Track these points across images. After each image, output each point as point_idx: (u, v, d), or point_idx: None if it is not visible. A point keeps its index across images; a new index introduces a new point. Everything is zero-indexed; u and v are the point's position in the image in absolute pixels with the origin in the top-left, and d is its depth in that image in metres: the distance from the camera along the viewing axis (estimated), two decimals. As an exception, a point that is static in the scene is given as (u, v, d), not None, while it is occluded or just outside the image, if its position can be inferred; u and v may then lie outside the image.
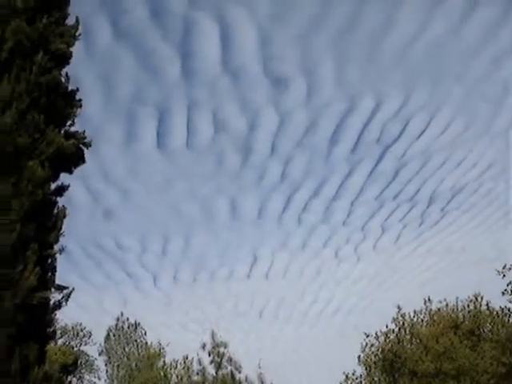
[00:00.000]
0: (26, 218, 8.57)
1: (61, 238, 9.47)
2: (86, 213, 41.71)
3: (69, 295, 9.58)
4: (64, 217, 9.58)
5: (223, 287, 49.10)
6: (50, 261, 9.37)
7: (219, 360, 28.18)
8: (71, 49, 10.38)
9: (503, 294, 24.95)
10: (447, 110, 48.09)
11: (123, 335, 39.94)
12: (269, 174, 52.32)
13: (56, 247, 9.42)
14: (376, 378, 29.54)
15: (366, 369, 29.72)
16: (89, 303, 41.70)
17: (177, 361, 33.47)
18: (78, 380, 36.92)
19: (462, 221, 48.91)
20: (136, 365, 37.54)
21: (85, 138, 10.25)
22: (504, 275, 24.14)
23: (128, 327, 40.30)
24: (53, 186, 9.70)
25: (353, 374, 29.95)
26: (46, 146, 9.27)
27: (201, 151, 50.47)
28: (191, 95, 48.90)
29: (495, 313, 28.30)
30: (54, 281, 9.44)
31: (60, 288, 9.52)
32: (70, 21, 10.57)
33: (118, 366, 38.56)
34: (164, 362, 34.82)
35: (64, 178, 10.04)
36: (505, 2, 39.53)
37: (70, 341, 37.48)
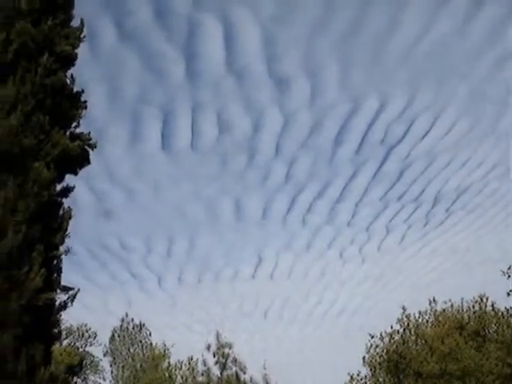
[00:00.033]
0: (31, 220, 8.59)
1: (66, 239, 9.50)
2: (90, 213, 41.81)
3: (74, 296, 9.59)
4: (69, 218, 9.60)
5: (228, 288, 49.19)
6: (55, 262, 9.39)
7: (224, 361, 28.18)
8: (76, 50, 10.39)
9: (508, 294, 24.80)
10: (452, 111, 48.16)
11: (128, 336, 40.00)
12: (273, 174, 52.43)
13: (61, 248, 9.44)
14: (381, 379, 29.46)
15: (371, 370, 29.64)
16: (94, 304, 41.85)
17: (181, 362, 33.43)
18: (82, 381, 36.97)
19: (467, 221, 48.95)
20: (141, 366, 37.59)
21: (90, 139, 10.27)
22: (509, 276, 23.99)
23: (133, 328, 40.37)
24: (58, 187, 9.72)
25: (357, 375, 29.85)
26: (51, 147, 9.28)
27: (205, 152, 50.59)
28: (195, 96, 49.04)
29: (500, 314, 28.19)
30: (59, 282, 9.46)
31: (65, 289, 9.54)
32: (75, 22, 10.60)
33: (123, 366, 38.62)
34: (169, 362, 34.82)
35: (69, 179, 10.09)
36: (509, 1, 39.47)
37: (75, 341, 37.56)
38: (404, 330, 29.59)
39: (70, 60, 10.26)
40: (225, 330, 29.29)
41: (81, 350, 37.06)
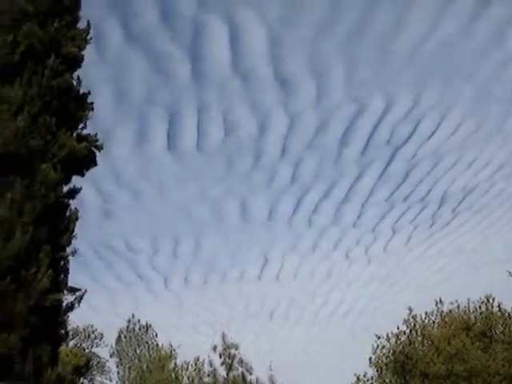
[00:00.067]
0: (38, 221, 8.62)
1: (73, 241, 9.53)
2: (97, 215, 41.91)
3: (81, 297, 9.62)
4: (76, 219, 9.63)
5: (234, 289, 49.22)
6: (62, 263, 9.43)
7: (230, 362, 28.20)
8: (83, 52, 10.44)
9: (515, 295, 24.80)
10: (458, 111, 48.05)
11: (134, 337, 40.03)
12: (279, 175, 52.44)
13: (68, 249, 9.48)
14: (387, 380, 29.39)
15: (377, 370, 29.57)
16: (100, 305, 41.95)
17: (188, 363, 33.44)
18: (89, 382, 36.97)
19: (474, 222, 48.82)
20: (147, 366, 37.61)
21: (97, 140, 10.30)
22: (516, 276, 24.00)
23: (139, 329, 40.38)
24: (65, 188, 9.76)
25: (364, 376, 29.78)
26: (58, 149, 9.32)
27: (211, 153, 50.63)
28: (201, 97, 49.12)
29: (507, 314, 28.07)
30: (66, 283, 9.49)
31: (72, 290, 9.57)
32: (82, 24, 10.65)
33: (130, 367, 38.65)
34: (175, 363, 34.83)
35: (76, 180, 10.12)
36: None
37: (82, 342, 37.56)
38: (410, 330, 29.50)
39: (76, 61, 10.30)
40: (231, 331, 29.40)
41: (87, 350, 37.06)
